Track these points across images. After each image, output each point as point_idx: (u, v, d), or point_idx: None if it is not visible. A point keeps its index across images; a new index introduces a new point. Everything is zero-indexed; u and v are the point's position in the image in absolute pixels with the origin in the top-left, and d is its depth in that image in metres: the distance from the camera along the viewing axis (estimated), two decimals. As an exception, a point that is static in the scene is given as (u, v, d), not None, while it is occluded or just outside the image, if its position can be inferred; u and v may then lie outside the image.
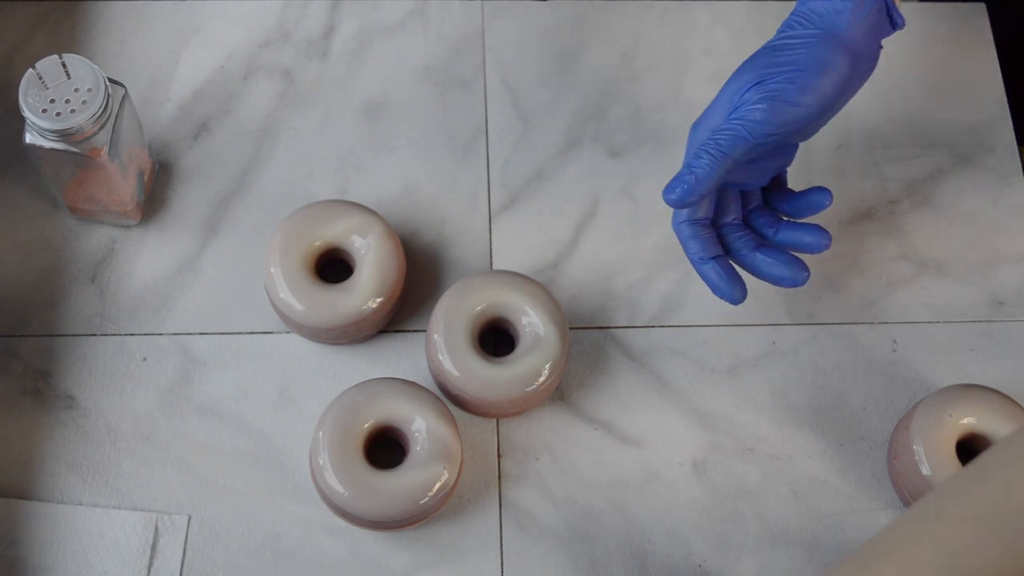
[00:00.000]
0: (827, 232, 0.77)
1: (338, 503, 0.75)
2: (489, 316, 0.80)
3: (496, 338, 0.82)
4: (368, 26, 0.93)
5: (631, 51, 0.93)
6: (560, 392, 0.82)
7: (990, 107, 0.92)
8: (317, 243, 0.81)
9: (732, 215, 0.78)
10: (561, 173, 0.88)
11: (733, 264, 0.77)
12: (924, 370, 0.84)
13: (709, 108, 0.76)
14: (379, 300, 0.80)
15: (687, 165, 0.73)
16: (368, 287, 0.80)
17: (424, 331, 0.83)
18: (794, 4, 0.75)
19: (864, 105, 0.91)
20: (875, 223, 0.88)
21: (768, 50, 0.74)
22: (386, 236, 0.81)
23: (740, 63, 0.76)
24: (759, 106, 0.72)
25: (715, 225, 0.78)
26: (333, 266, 0.82)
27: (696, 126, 0.76)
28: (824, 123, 0.75)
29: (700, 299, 0.85)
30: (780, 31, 0.75)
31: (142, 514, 0.77)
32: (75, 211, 0.84)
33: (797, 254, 0.77)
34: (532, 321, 0.79)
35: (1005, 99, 0.93)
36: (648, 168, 0.89)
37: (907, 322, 0.85)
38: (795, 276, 0.76)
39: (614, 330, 0.85)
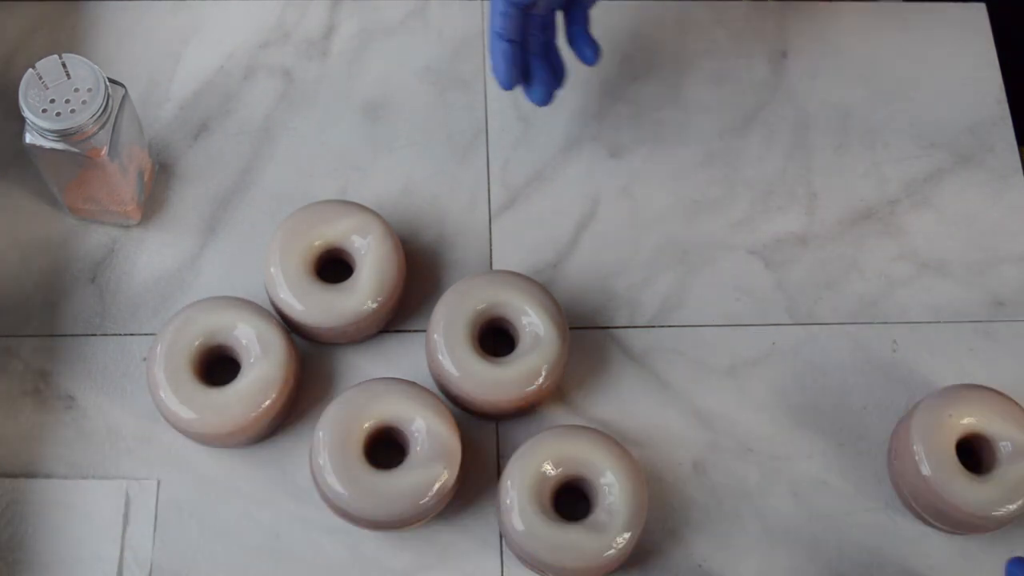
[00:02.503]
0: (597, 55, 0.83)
1: (338, 503, 0.75)
2: (489, 316, 0.80)
3: (496, 338, 0.82)
4: (368, 26, 0.93)
5: (631, 51, 0.93)
6: (560, 392, 0.82)
7: (990, 107, 0.92)
8: (317, 243, 0.81)
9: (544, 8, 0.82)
10: (561, 173, 0.88)
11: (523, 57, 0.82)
12: (924, 370, 0.84)
13: None
14: (379, 300, 0.80)
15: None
16: (368, 287, 0.80)
17: (424, 331, 0.83)
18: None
19: (864, 105, 0.91)
20: (875, 223, 0.88)
21: None
22: (386, 236, 0.81)
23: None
24: None
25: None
26: (333, 266, 0.82)
27: None
28: None
29: (700, 299, 0.85)
30: None
31: (112, 482, 0.78)
32: (75, 211, 0.84)
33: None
34: (532, 321, 0.79)
35: (1005, 99, 0.93)
36: (648, 168, 0.89)
37: (907, 322, 0.85)
38: (542, 96, 0.83)
39: (614, 330, 0.85)
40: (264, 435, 0.79)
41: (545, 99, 0.83)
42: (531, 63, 0.83)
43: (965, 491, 0.76)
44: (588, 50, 0.84)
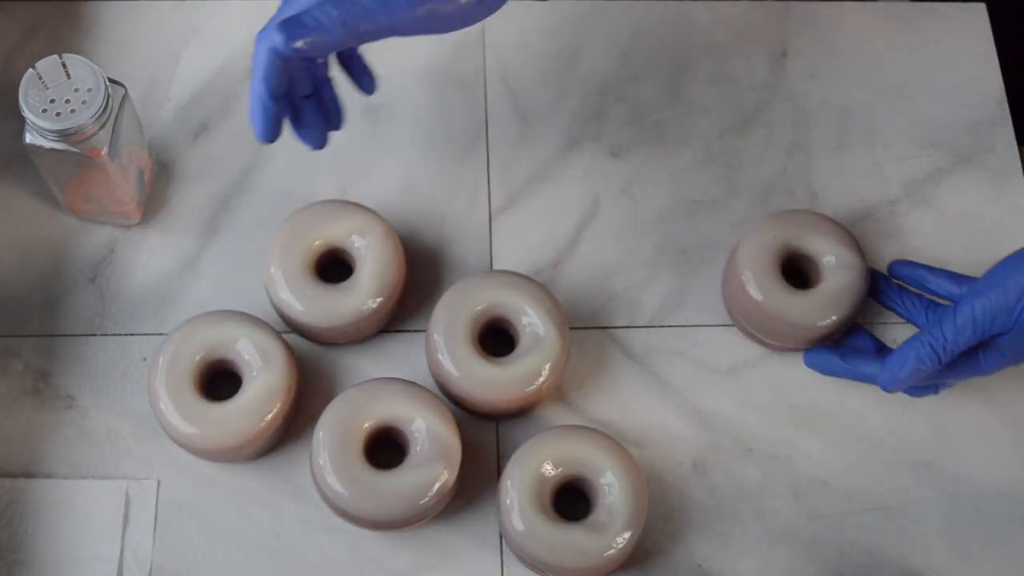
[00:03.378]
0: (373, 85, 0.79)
1: (338, 503, 0.75)
2: (489, 316, 0.80)
3: (496, 338, 0.82)
4: (368, 26, 0.93)
5: (631, 51, 0.93)
6: (560, 392, 0.82)
7: (990, 107, 0.92)
8: (317, 243, 0.81)
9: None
10: (561, 173, 0.88)
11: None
12: (924, 370, 0.84)
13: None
14: (379, 300, 0.80)
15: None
16: (368, 287, 0.80)
17: (424, 331, 0.83)
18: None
19: (864, 105, 0.91)
20: (875, 223, 0.88)
21: None
22: (386, 236, 0.81)
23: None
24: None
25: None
26: (333, 266, 0.82)
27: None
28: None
29: (700, 299, 0.85)
30: None
31: (112, 482, 0.78)
32: (75, 211, 0.84)
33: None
34: (532, 321, 0.79)
35: (1005, 99, 0.93)
36: (648, 168, 0.89)
37: (907, 322, 0.85)
38: (314, 141, 0.77)
39: (614, 330, 0.85)
40: (267, 449, 0.79)
41: (317, 143, 0.77)
42: (301, 107, 0.77)
43: (791, 306, 0.80)
44: (365, 78, 0.79)
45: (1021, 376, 0.84)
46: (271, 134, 0.74)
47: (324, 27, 0.68)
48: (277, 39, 0.68)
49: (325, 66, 0.78)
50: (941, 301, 0.81)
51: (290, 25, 0.68)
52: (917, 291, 0.83)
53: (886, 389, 0.77)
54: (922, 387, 0.80)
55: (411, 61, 0.92)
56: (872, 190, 0.89)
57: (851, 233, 0.83)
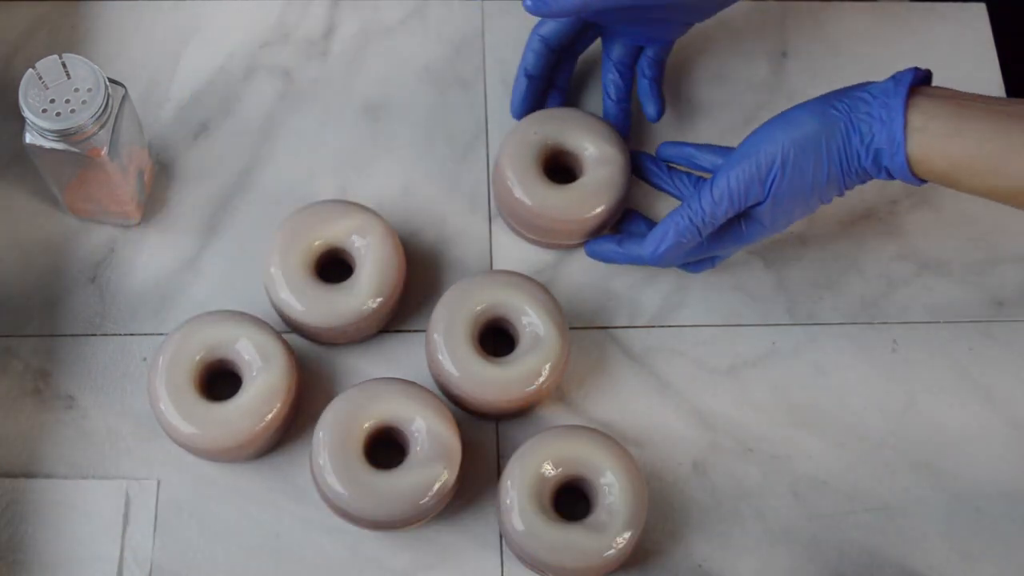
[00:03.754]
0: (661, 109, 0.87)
1: (338, 503, 0.75)
2: (489, 316, 0.80)
3: (496, 338, 0.82)
4: (368, 26, 0.93)
5: (631, 51, 0.93)
6: (560, 392, 0.82)
7: (990, 107, 0.92)
8: (317, 243, 0.81)
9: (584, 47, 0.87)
10: (561, 173, 0.89)
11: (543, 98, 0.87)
12: (924, 370, 0.84)
13: None
14: (379, 300, 0.80)
15: None
16: (368, 287, 0.80)
17: (424, 331, 0.83)
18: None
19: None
20: (875, 223, 0.88)
21: None
22: (386, 236, 0.81)
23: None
24: None
25: (566, 51, 0.86)
26: (333, 266, 0.82)
27: None
28: (694, 14, 0.82)
29: (700, 299, 0.85)
30: None
31: (112, 482, 0.78)
32: (75, 211, 0.84)
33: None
34: (532, 321, 0.79)
35: (1005, 99, 0.93)
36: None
37: (907, 322, 0.85)
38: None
39: (614, 330, 0.85)
40: (267, 449, 0.79)
41: None
42: (550, 98, 0.88)
43: (557, 201, 0.82)
44: (650, 105, 0.86)
45: (1021, 376, 0.84)
46: (517, 109, 0.86)
47: None
48: (526, 2, 0.78)
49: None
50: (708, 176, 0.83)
51: None
52: (687, 169, 0.84)
53: (654, 263, 0.80)
54: (696, 262, 0.83)
55: (411, 61, 0.92)
56: (872, 190, 0.89)
57: (611, 126, 0.85)
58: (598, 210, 0.83)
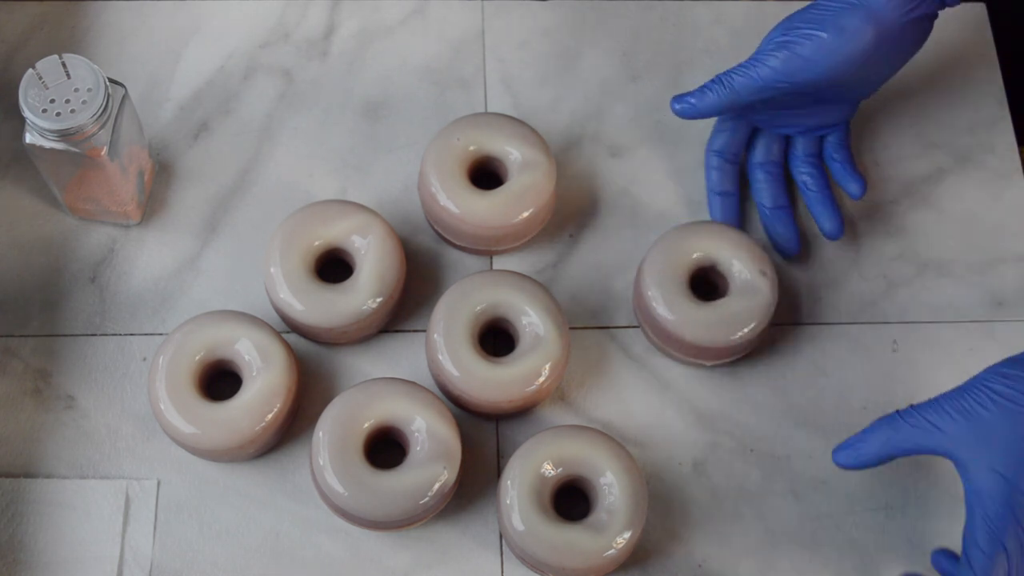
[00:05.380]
0: (862, 184, 0.85)
1: (338, 503, 0.75)
2: (489, 316, 0.80)
3: (496, 338, 0.82)
4: (368, 26, 0.93)
5: (631, 51, 0.93)
6: (560, 392, 0.82)
7: (990, 107, 0.92)
8: (317, 243, 0.81)
9: (764, 156, 0.86)
10: (561, 173, 0.88)
11: (738, 206, 0.86)
12: (924, 370, 0.84)
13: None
14: (379, 300, 0.80)
15: (701, 87, 0.81)
16: (368, 287, 0.80)
17: (424, 331, 0.83)
18: (792, 4, 0.76)
19: (864, 105, 0.91)
20: (875, 223, 0.88)
21: (803, 10, 0.80)
22: (386, 236, 0.81)
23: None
24: (775, 54, 0.79)
25: (745, 163, 0.87)
26: (333, 266, 0.82)
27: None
28: (870, 82, 0.81)
29: (700, 299, 0.85)
30: None
31: (112, 482, 0.78)
32: (75, 211, 0.84)
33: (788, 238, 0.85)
34: (532, 321, 0.79)
35: (1005, 99, 0.93)
36: (648, 168, 0.89)
37: (907, 322, 0.85)
38: (789, 247, 0.85)
39: (614, 330, 0.85)
40: (267, 449, 0.79)
41: (785, 250, 0.86)
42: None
43: (477, 206, 0.81)
44: (852, 184, 0.85)
45: (1021, 376, 0.84)
46: (718, 214, 0.86)
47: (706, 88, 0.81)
48: (672, 106, 0.82)
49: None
50: None
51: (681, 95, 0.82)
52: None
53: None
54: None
55: (411, 61, 0.92)
56: (872, 190, 0.89)
57: (535, 131, 0.84)
58: (524, 215, 0.82)
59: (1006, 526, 0.66)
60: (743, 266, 0.81)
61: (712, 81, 0.80)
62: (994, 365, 0.71)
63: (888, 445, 0.71)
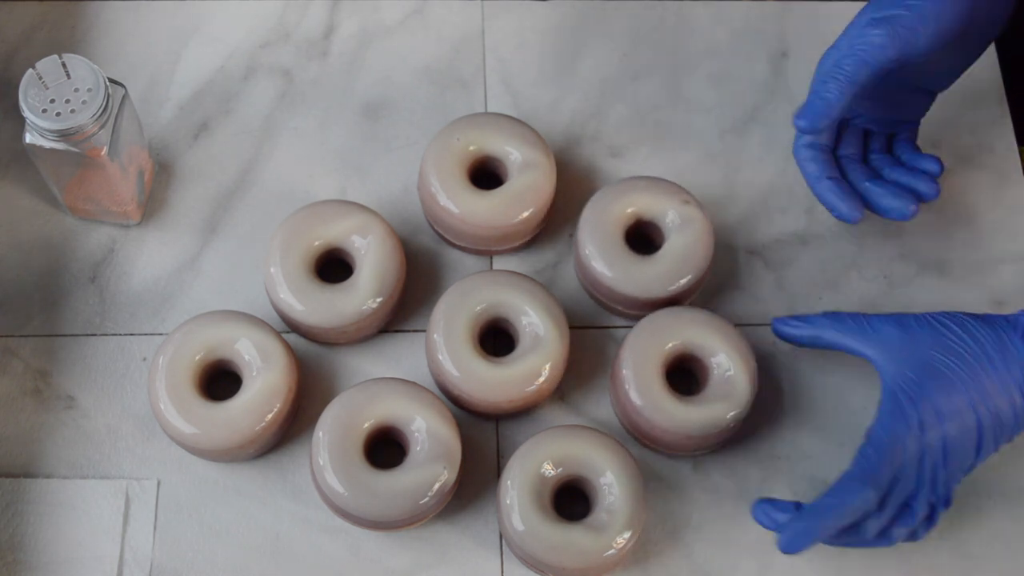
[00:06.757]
0: (937, 184, 0.83)
1: (338, 503, 0.75)
2: (489, 316, 0.80)
3: (496, 338, 0.82)
4: (368, 26, 0.93)
5: (631, 51, 0.93)
6: (560, 392, 0.82)
7: (990, 107, 0.92)
8: (317, 243, 0.81)
9: (851, 148, 0.84)
10: (561, 173, 0.88)
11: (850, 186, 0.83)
12: (924, 370, 0.84)
13: (835, 42, 0.79)
14: (379, 300, 0.80)
15: (815, 92, 0.78)
16: (368, 287, 0.80)
17: (424, 331, 0.83)
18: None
19: (864, 105, 0.91)
20: (875, 223, 0.88)
21: None
22: (386, 236, 0.81)
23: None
24: (878, 31, 0.76)
25: (832, 154, 0.83)
26: (333, 266, 0.82)
27: (823, 59, 0.79)
28: (953, 66, 0.81)
29: (700, 299, 0.85)
30: None
31: (112, 482, 0.78)
32: (75, 211, 0.84)
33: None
34: (532, 321, 0.79)
35: (1005, 99, 0.93)
36: (648, 168, 0.89)
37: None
38: (903, 208, 0.82)
39: (614, 330, 0.85)
40: (267, 448, 0.79)
41: (902, 213, 0.82)
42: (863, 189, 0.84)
43: (478, 206, 0.81)
44: (924, 185, 0.83)
45: (1021, 376, 0.84)
46: (858, 209, 0.81)
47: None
48: (797, 124, 0.79)
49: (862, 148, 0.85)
50: None
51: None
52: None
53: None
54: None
55: (411, 61, 0.92)
56: (872, 190, 0.89)
57: (535, 131, 0.84)
58: (524, 215, 0.82)
59: (908, 421, 0.72)
60: (676, 214, 0.82)
61: (819, 81, 0.78)
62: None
63: (827, 330, 0.77)
